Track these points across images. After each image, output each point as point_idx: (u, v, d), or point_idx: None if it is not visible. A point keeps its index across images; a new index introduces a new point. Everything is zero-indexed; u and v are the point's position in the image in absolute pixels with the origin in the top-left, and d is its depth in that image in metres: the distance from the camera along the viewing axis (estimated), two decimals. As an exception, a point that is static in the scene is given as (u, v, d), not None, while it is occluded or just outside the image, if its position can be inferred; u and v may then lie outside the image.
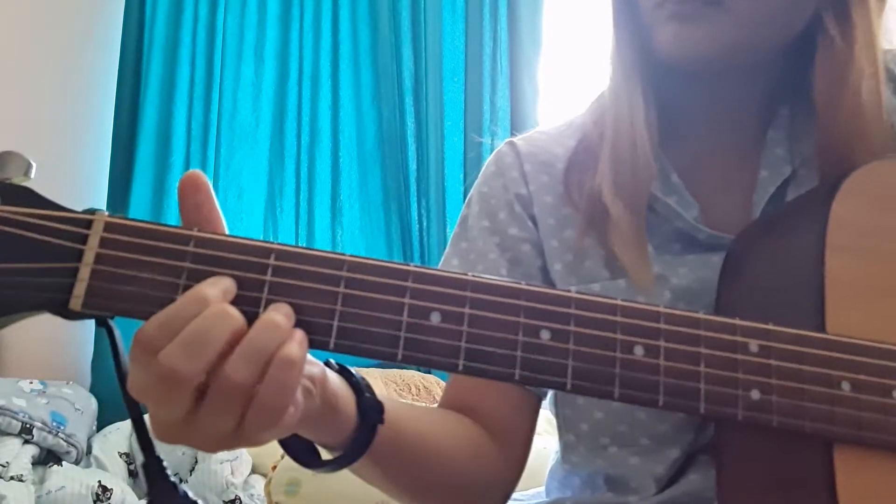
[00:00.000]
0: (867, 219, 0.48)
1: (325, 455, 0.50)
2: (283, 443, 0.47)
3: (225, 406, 0.37)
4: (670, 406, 0.42)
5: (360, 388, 0.48)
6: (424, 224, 2.48)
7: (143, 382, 0.37)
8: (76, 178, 2.44)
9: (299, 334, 0.39)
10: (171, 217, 2.46)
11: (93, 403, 2.11)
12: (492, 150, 0.74)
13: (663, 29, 0.57)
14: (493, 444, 0.63)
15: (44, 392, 1.97)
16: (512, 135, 0.74)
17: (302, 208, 2.53)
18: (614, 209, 0.60)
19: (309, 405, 0.41)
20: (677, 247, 0.62)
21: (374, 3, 2.60)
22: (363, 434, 0.47)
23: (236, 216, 2.52)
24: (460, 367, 0.40)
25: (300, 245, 0.42)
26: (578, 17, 2.47)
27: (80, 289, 0.38)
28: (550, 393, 0.70)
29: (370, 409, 0.47)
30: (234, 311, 0.38)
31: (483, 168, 0.73)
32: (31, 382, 1.98)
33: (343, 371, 0.49)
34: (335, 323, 0.40)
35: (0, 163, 0.40)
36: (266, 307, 0.39)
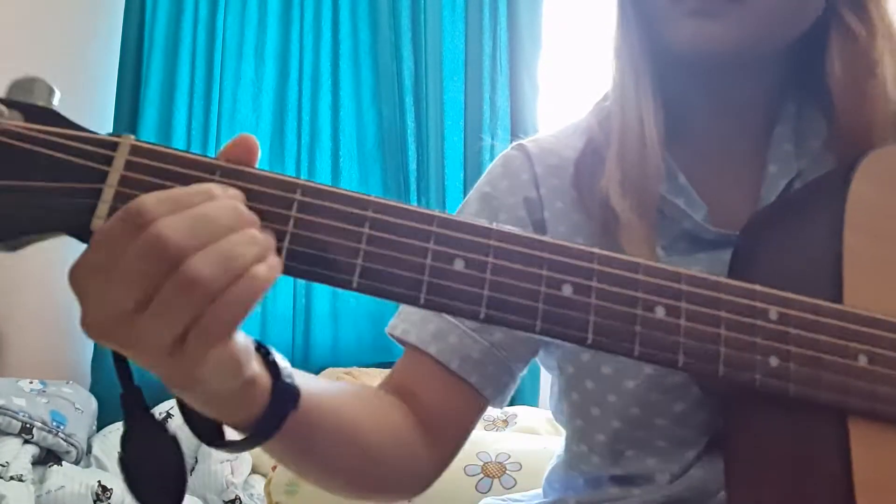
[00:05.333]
0: (885, 200, 0.48)
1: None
2: (186, 418, 0.45)
3: (177, 305, 0.35)
4: (689, 368, 0.41)
5: (279, 372, 0.45)
6: (424, 224, 2.48)
7: (108, 256, 0.36)
8: (76, 178, 2.44)
9: (276, 260, 0.38)
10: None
11: (93, 403, 2.11)
12: (492, 150, 0.73)
13: (681, 25, 0.56)
14: (422, 435, 0.61)
15: (44, 392, 1.97)
16: (512, 135, 0.73)
17: (302, 208, 2.53)
18: (623, 211, 0.59)
19: (236, 374, 0.40)
20: (684, 246, 0.62)
21: (374, 3, 2.59)
22: (272, 419, 0.45)
23: (236, 216, 2.52)
24: (482, 315, 0.40)
25: (327, 185, 0.41)
26: (578, 17, 2.47)
27: (103, 210, 0.37)
28: (555, 402, 0.69)
29: (284, 394, 0.45)
30: (246, 210, 0.38)
31: (488, 169, 0.72)
32: (31, 382, 1.98)
33: (262, 350, 0.46)
34: (359, 262, 0.40)
35: (24, 87, 0.39)
36: (290, 242, 0.39)
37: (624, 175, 0.60)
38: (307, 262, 0.39)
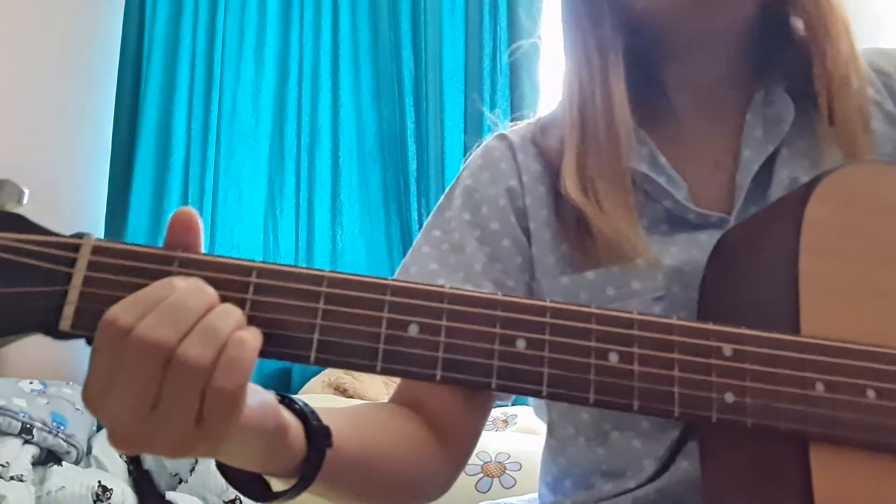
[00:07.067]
0: (841, 221, 0.49)
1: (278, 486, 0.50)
2: (234, 483, 0.48)
3: (183, 390, 0.37)
4: (645, 410, 0.42)
5: (307, 416, 0.48)
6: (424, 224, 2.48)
7: (107, 374, 0.38)
8: (76, 179, 2.45)
9: (255, 329, 0.40)
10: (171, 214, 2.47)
11: (93, 403, 2.11)
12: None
13: None
14: (436, 442, 0.63)
15: (44, 392, 1.97)
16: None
17: (302, 208, 2.53)
18: (585, 205, 0.60)
19: (264, 427, 0.42)
20: (665, 227, 0.63)
21: (374, 3, 2.60)
22: (313, 459, 0.48)
23: (236, 216, 2.52)
24: (438, 377, 0.41)
25: (283, 264, 0.42)
26: (578, 16, 2.47)
27: (69, 310, 0.39)
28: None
29: (318, 434, 0.48)
30: (209, 287, 0.39)
31: (469, 161, 0.72)
32: (31, 382, 1.98)
33: (286, 401, 0.49)
34: (315, 337, 0.41)
35: None
36: (248, 323, 0.40)
37: (581, 166, 0.62)
38: (265, 341, 0.40)
